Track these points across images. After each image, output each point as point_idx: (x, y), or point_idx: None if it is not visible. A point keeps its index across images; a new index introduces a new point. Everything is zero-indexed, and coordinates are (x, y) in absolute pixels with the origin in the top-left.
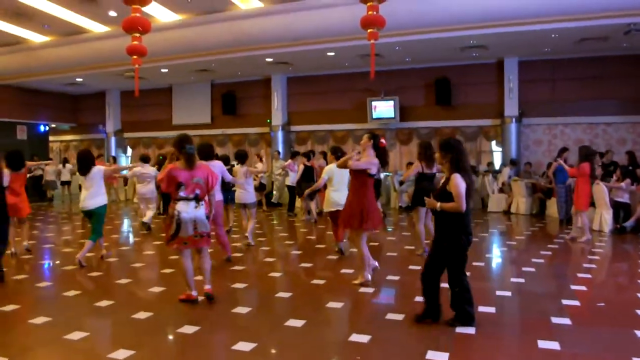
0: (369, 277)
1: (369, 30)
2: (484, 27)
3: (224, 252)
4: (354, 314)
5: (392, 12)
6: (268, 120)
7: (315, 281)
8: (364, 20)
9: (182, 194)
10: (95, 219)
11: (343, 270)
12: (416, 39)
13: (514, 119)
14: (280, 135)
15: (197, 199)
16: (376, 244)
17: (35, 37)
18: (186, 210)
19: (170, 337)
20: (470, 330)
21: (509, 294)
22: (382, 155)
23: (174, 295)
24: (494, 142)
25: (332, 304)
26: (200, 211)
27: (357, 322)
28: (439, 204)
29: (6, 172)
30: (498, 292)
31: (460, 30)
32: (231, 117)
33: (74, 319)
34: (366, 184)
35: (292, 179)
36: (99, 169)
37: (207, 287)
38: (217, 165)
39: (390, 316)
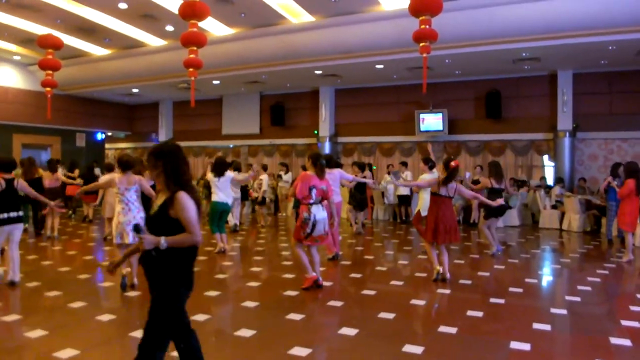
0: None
1: (421, 44)
2: (537, 39)
3: (331, 249)
4: (405, 326)
5: (444, 25)
6: (315, 132)
7: (365, 291)
8: (416, 34)
9: (312, 199)
10: (225, 214)
11: (392, 282)
12: (467, 52)
13: (567, 133)
14: (327, 146)
15: (321, 202)
16: (424, 257)
17: (96, 50)
18: (318, 212)
19: (227, 340)
20: (526, 346)
21: (564, 312)
22: (452, 174)
23: (228, 299)
24: (546, 157)
25: (383, 315)
26: (325, 213)
27: (410, 333)
28: (163, 240)
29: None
30: (552, 310)
31: (512, 42)
32: (279, 127)
33: (137, 318)
34: (436, 202)
35: None
36: (229, 174)
37: (319, 278)
38: (335, 172)
39: (443, 329)
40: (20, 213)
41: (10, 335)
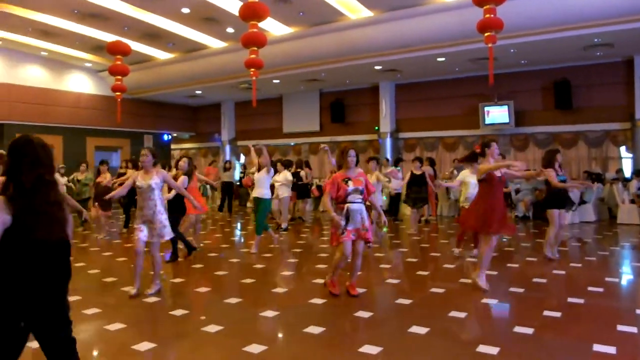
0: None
1: (486, 34)
2: (610, 23)
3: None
4: (478, 325)
5: (508, 13)
6: (376, 128)
7: (434, 289)
8: (481, 24)
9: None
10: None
11: (462, 280)
12: (534, 40)
13: None
14: (388, 142)
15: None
16: (494, 254)
17: (161, 55)
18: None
19: (297, 336)
20: (611, 349)
21: None
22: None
23: (296, 296)
24: (623, 148)
25: (454, 313)
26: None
27: (483, 333)
28: None
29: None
30: (639, 311)
31: (583, 28)
32: (339, 124)
33: (208, 313)
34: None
35: (394, 186)
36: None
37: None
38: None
39: (519, 329)
40: None
41: (90, 327)
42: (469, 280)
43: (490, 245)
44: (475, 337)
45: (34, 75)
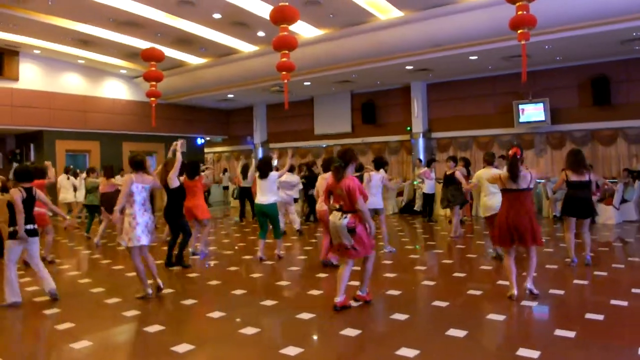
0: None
1: (519, 31)
2: None
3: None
4: (517, 328)
5: (542, 9)
6: (408, 128)
7: (471, 291)
8: (513, 21)
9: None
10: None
11: (499, 282)
12: (569, 36)
13: None
14: (420, 142)
15: (341, 210)
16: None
17: (193, 60)
18: (332, 219)
19: (333, 338)
20: None
21: None
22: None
23: (332, 298)
24: None
25: (492, 316)
26: (343, 221)
27: (523, 336)
28: None
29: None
30: None
31: (620, 22)
32: (371, 125)
33: (245, 316)
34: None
35: (428, 186)
36: (274, 174)
37: (359, 292)
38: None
39: (560, 332)
40: (36, 226)
41: (130, 329)
42: (507, 282)
43: (535, 252)
44: (515, 340)
45: (71, 83)
